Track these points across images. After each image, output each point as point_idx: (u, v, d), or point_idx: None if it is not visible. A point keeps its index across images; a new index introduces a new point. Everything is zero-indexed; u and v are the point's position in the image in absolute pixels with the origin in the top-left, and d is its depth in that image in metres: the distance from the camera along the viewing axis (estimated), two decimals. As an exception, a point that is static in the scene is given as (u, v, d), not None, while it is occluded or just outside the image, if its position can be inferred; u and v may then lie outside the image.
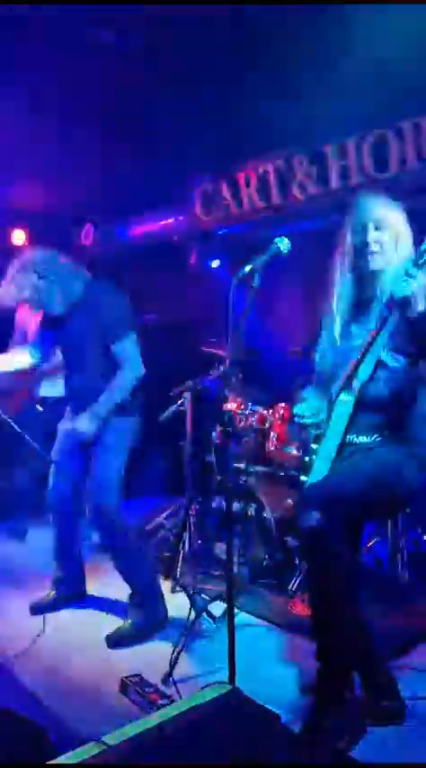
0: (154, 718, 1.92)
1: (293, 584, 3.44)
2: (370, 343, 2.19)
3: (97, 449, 3.06)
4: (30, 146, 4.56)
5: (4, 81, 3.83)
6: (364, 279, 2.34)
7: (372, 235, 2.26)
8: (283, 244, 2.33)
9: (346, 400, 2.26)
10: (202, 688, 2.12)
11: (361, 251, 2.29)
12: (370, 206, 2.31)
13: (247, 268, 2.27)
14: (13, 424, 3.27)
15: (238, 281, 2.26)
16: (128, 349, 3.06)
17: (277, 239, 2.34)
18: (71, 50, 3.69)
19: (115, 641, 2.97)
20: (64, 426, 3.28)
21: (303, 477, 2.28)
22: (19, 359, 3.40)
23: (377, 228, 2.26)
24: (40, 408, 4.46)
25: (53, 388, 4.10)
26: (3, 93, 3.93)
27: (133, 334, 3.09)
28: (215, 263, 5.55)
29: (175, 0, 3.23)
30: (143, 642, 2.98)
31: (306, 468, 2.31)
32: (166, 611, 3.14)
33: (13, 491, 4.76)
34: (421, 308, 1.99)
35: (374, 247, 2.26)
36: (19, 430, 3.23)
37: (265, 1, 3.22)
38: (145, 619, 3.05)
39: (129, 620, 3.07)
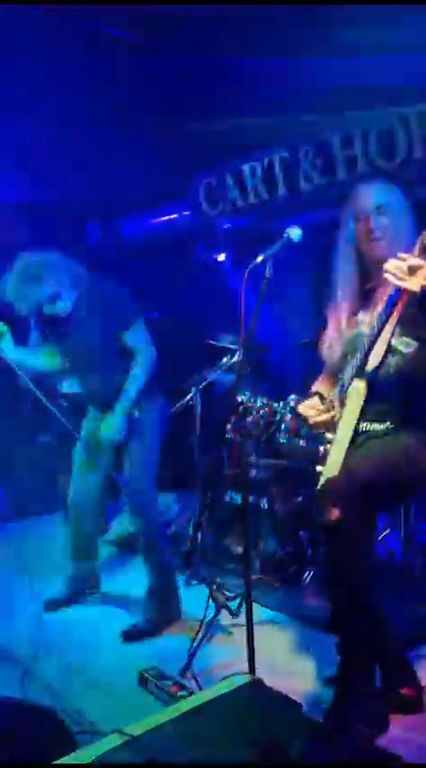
0: (176, 709, 1.92)
1: (306, 577, 3.44)
2: (379, 330, 2.18)
3: (130, 442, 3.06)
4: (30, 142, 4.56)
5: (4, 77, 3.82)
6: (369, 266, 2.32)
7: (375, 221, 2.24)
8: (295, 233, 2.32)
9: (357, 388, 2.25)
10: (223, 679, 2.12)
11: (365, 238, 2.28)
12: (371, 193, 2.30)
13: (259, 258, 2.26)
14: (42, 397, 3.15)
15: (250, 271, 2.24)
16: (139, 336, 3.05)
17: (288, 229, 2.33)
18: (72, 45, 3.69)
19: (131, 635, 2.98)
20: (88, 423, 3.27)
21: (318, 468, 2.27)
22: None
23: (379, 215, 2.25)
24: (65, 404, 4.45)
25: (76, 385, 4.07)
26: (3, 89, 3.92)
27: (141, 320, 3.07)
28: (221, 257, 5.53)
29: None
30: (158, 636, 2.99)
31: (321, 459, 2.30)
32: (181, 605, 3.15)
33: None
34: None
35: (378, 234, 2.24)
36: (50, 406, 3.11)
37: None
38: (160, 614, 3.06)
39: (146, 614, 3.07)
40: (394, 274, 1.95)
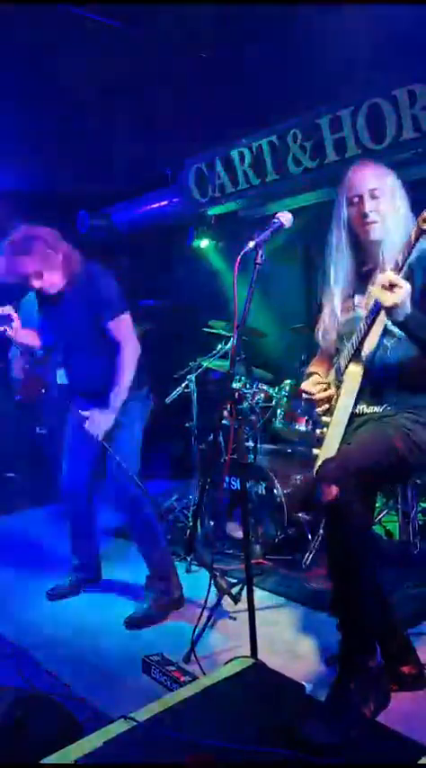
0: (180, 694, 1.94)
1: (306, 559, 3.47)
2: (376, 313, 2.18)
3: (115, 433, 3.05)
4: (19, 131, 4.52)
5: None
6: (364, 249, 2.32)
7: (369, 204, 2.23)
8: (285, 218, 2.32)
9: (354, 371, 2.26)
10: (225, 663, 2.14)
11: (359, 222, 2.27)
12: (365, 175, 2.28)
13: (251, 244, 2.25)
14: None
15: (242, 257, 2.23)
16: (124, 327, 3.04)
17: (279, 213, 2.32)
18: (58, 30, 3.64)
19: (133, 622, 3.00)
20: (74, 413, 3.25)
21: (316, 451, 2.28)
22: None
23: (373, 198, 2.23)
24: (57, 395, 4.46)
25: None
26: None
27: (127, 313, 3.06)
28: (212, 244, 5.51)
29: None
30: (160, 622, 3.01)
31: (318, 442, 2.31)
32: (182, 591, 3.17)
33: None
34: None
35: (372, 217, 2.23)
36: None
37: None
38: (161, 599, 3.08)
39: (147, 601, 3.09)
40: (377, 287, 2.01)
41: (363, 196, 2.24)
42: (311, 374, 2.52)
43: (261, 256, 2.26)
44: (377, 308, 2.16)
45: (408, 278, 2.09)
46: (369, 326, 2.21)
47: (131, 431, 3.11)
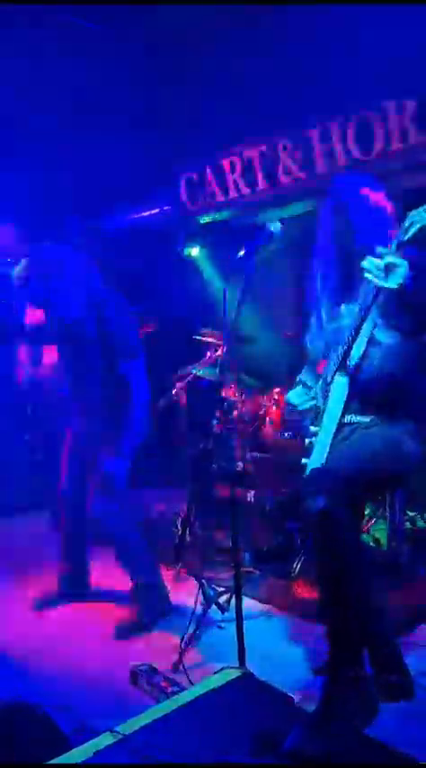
0: (167, 705, 1.93)
1: (295, 568, 3.47)
2: (359, 325, 2.19)
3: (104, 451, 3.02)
4: (9, 137, 4.51)
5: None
6: (350, 258, 2.31)
7: (353, 212, 2.24)
8: (275, 226, 2.34)
9: (341, 381, 2.26)
10: (214, 673, 2.13)
11: (345, 230, 2.28)
12: (349, 185, 2.30)
13: (241, 252, 2.26)
14: None
15: (233, 266, 2.24)
16: (138, 371, 3.00)
17: (269, 222, 2.34)
18: (51, 38, 3.65)
19: (120, 633, 2.98)
20: (70, 426, 3.25)
21: (304, 460, 2.28)
22: None
23: (358, 207, 2.25)
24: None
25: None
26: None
27: (142, 357, 3.04)
28: (202, 251, 5.52)
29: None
30: (148, 632, 2.99)
31: (306, 451, 2.32)
32: (169, 600, 3.15)
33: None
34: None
35: (356, 225, 2.24)
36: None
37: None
38: (147, 609, 3.06)
39: (134, 611, 3.07)
40: (371, 271, 1.97)
41: (346, 204, 2.25)
42: (299, 383, 2.53)
43: (252, 265, 2.27)
44: (362, 313, 2.16)
45: None
46: (355, 335, 2.21)
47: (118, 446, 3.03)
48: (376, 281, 1.98)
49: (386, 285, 1.96)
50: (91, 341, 3.00)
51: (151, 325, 4.83)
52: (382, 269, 1.95)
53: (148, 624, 3.02)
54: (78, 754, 1.70)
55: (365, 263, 1.98)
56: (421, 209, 1.99)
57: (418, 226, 1.97)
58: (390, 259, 1.95)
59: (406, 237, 2.00)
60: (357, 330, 2.21)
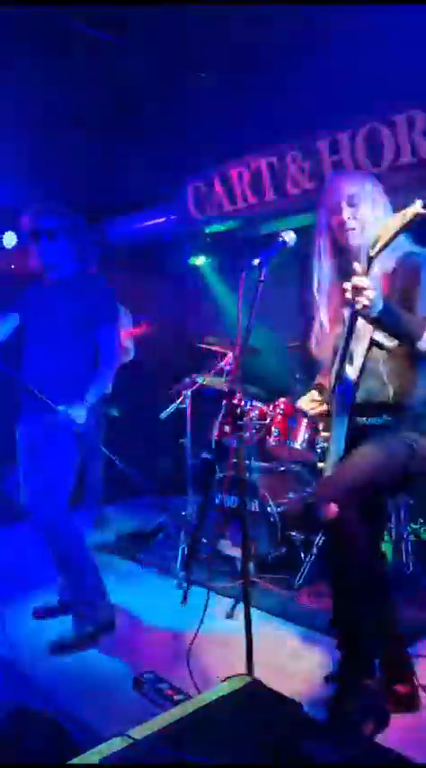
0: (177, 712, 1.92)
1: (299, 578, 3.46)
2: (352, 325, 2.17)
3: (42, 448, 2.90)
4: (16, 144, 4.53)
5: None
6: (346, 258, 2.29)
7: (347, 211, 2.25)
8: (289, 236, 2.34)
9: (345, 384, 2.25)
10: (222, 681, 2.12)
11: (339, 230, 2.29)
12: (342, 183, 2.30)
13: (255, 261, 2.26)
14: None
15: (246, 275, 2.25)
16: (112, 337, 2.99)
17: (283, 231, 2.34)
18: (58, 45, 3.67)
19: (57, 648, 2.87)
20: (22, 427, 3.06)
21: (320, 464, 2.28)
22: None
23: (351, 205, 2.25)
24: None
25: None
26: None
27: (117, 324, 3.04)
28: (208, 261, 5.55)
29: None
30: (86, 649, 2.89)
31: (322, 456, 2.31)
32: (111, 614, 3.06)
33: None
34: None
35: (350, 224, 2.25)
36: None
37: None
38: (85, 625, 2.96)
39: (72, 627, 2.97)
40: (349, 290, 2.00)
41: (341, 203, 2.26)
42: (315, 387, 2.53)
43: (265, 274, 2.28)
44: (351, 320, 2.17)
45: (392, 281, 2.11)
46: (348, 340, 2.20)
47: (63, 451, 2.92)
48: (349, 297, 2.01)
49: (355, 305, 1.99)
50: (66, 313, 2.97)
51: (142, 327, 4.85)
52: (357, 289, 1.97)
53: (86, 641, 2.92)
54: (89, 757, 1.69)
55: (346, 284, 2.01)
56: (387, 221, 2.00)
57: (384, 240, 1.99)
58: (357, 281, 1.97)
59: (373, 253, 2.02)
60: (350, 333, 2.19)
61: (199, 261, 5.49)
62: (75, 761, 1.69)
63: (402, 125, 3.67)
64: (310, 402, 2.47)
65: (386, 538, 3.75)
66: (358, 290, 1.96)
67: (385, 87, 3.54)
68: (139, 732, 1.81)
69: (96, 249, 3.16)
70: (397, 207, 2.30)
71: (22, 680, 2.63)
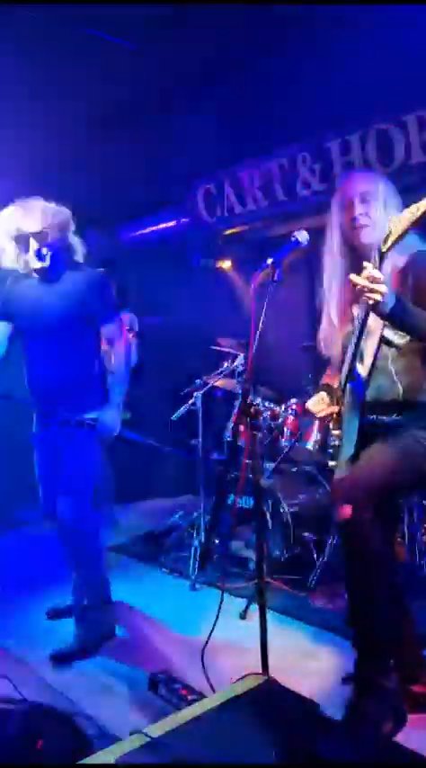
0: (193, 710, 1.92)
1: (312, 579, 3.45)
2: (364, 323, 2.15)
3: (69, 449, 2.89)
4: (28, 147, 4.56)
5: (1, 81, 3.82)
6: (358, 255, 2.27)
7: (359, 208, 2.24)
8: (302, 236, 2.33)
9: (355, 382, 2.24)
10: (237, 680, 2.12)
11: (350, 226, 2.27)
12: (356, 180, 2.30)
13: (269, 261, 2.26)
14: None
15: (259, 275, 2.24)
16: (119, 329, 2.97)
17: (296, 232, 2.34)
18: (71, 50, 3.70)
19: (60, 657, 2.82)
20: (40, 434, 3.03)
21: (331, 463, 2.28)
22: None
23: (363, 202, 2.24)
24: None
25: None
26: (1, 93, 3.92)
27: (119, 316, 3.02)
28: (220, 264, 5.56)
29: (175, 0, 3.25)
30: (89, 656, 2.84)
31: (334, 454, 2.31)
32: (114, 623, 3.04)
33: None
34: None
35: (362, 221, 2.24)
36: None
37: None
38: (88, 632, 2.92)
39: (77, 633, 2.93)
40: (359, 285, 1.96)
41: (353, 200, 2.25)
42: (322, 387, 2.52)
43: (278, 274, 2.27)
44: (363, 318, 2.15)
45: (403, 279, 2.10)
46: (359, 338, 2.19)
47: (87, 455, 2.91)
48: (362, 288, 1.96)
49: (366, 300, 1.96)
50: (65, 313, 2.90)
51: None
52: (369, 284, 1.93)
53: (88, 649, 2.87)
54: (106, 755, 1.69)
55: (353, 277, 1.97)
56: (398, 216, 1.97)
57: (396, 235, 1.96)
58: (369, 275, 1.93)
59: (385, 248, 2.00)
60: (361, 331, 2.17)
61: (211, 263, 5.51)
62: (92, 758, 1.69)
63: (412, 125, 3.67)
64: (318, 404, 2.46)
65: (399, 539, 3.75)
66: (372, 281, 1.92)
67: (394, 88, 3.55)
68: (156, 730, 1.81)
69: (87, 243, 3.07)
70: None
71: (37, 680, 2.63)
